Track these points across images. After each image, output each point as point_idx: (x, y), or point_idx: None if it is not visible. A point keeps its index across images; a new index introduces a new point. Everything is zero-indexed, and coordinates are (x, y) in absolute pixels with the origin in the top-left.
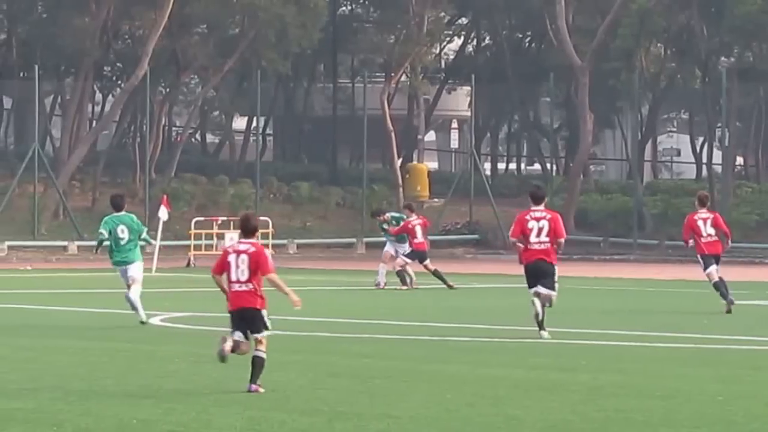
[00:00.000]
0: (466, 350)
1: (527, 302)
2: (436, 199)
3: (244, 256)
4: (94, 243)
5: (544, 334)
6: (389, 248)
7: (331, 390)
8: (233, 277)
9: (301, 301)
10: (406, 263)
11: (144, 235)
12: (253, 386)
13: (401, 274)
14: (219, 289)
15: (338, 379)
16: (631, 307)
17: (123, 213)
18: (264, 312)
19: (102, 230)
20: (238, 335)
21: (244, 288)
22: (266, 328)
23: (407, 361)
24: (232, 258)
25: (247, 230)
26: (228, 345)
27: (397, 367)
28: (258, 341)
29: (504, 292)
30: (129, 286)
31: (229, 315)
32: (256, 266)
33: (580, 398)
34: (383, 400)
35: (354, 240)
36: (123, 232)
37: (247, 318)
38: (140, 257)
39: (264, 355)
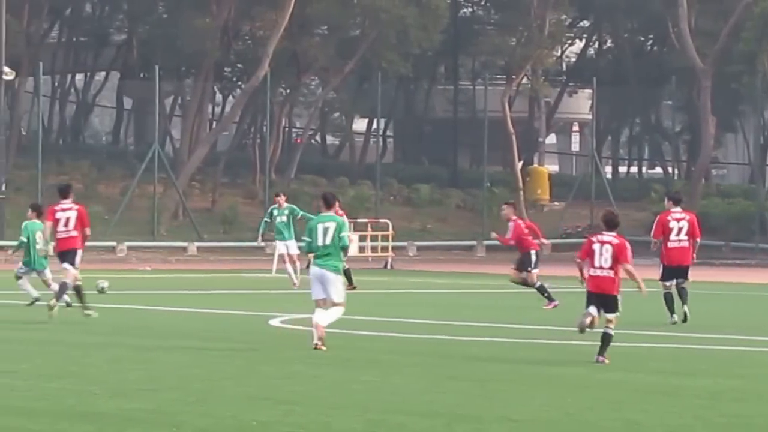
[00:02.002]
0: (586, 354)
1: (645, 306)
2: (556, 203)
3: (608, 246)
4: (214, 243)
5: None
6: (282, 248)
7: (450, 393)
8: (596, 263)
9: (647, 292)
10: None
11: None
12: (600, 358)
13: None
14: (578, 270)
15: (457, 382)
16: (752, 312)
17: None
18: (619, 297)
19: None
20: (593, 310)
21: (605, 274)
22: (618, 310)
23: (526, 364)
24: (596, 247)
25: (612, 225)
26: (588, 320)
27: (516, 370)
28: (609, 320)
29: (624, 296)
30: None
31: (586, 294)
32: (618, 256)
33: (700, 403)
34: (502, 403)
35: (474, 243)
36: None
37: (605, 300)
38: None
39: (612, 332)
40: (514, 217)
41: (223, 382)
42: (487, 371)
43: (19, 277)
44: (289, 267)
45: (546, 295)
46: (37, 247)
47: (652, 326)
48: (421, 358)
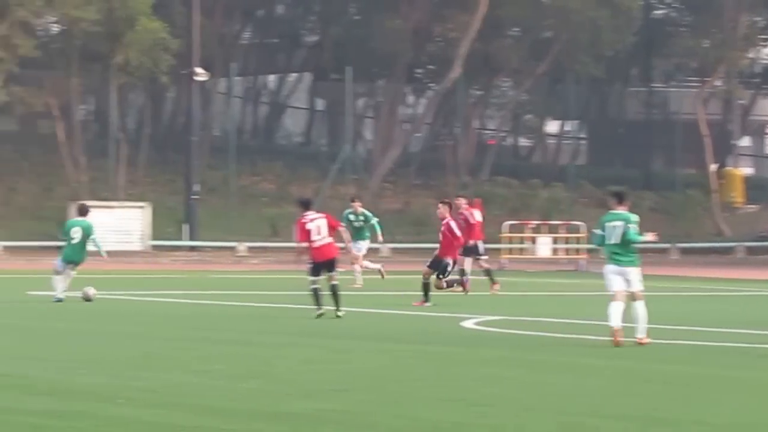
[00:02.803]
0: None
1: None
2: (751, 205)
3: None
4: (406, 245)
5: None
6: (355, 249)
7: (644, 396)
8: None
9: None
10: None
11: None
12: None
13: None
14: None
15: (652, 385)
16: None
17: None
18: None
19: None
20: None
21: None
22: None
23: (721, 367)
24: None
25: None
26: None
27: (711, 373)
28: None
29: None
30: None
31: None
32: None
33: None
34: (698, 406)
35: (668, 245)
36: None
37: None
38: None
39: None
40: (448, 217)
41: (417, 383)
42: (682, 374)
43: (58, 273)
44: (366, 264)
45: (426, 293)
46: (73, 242)
47: None
48: (615, 360)
